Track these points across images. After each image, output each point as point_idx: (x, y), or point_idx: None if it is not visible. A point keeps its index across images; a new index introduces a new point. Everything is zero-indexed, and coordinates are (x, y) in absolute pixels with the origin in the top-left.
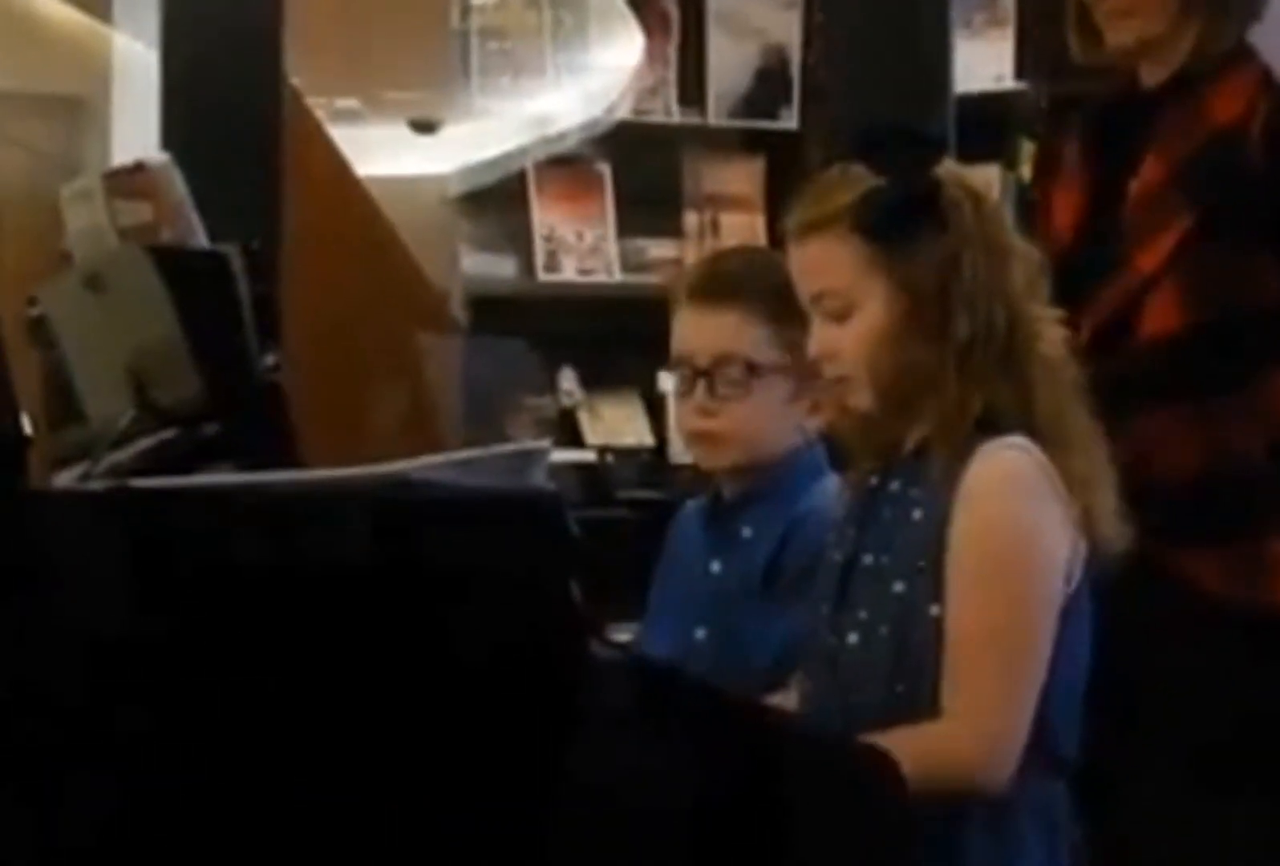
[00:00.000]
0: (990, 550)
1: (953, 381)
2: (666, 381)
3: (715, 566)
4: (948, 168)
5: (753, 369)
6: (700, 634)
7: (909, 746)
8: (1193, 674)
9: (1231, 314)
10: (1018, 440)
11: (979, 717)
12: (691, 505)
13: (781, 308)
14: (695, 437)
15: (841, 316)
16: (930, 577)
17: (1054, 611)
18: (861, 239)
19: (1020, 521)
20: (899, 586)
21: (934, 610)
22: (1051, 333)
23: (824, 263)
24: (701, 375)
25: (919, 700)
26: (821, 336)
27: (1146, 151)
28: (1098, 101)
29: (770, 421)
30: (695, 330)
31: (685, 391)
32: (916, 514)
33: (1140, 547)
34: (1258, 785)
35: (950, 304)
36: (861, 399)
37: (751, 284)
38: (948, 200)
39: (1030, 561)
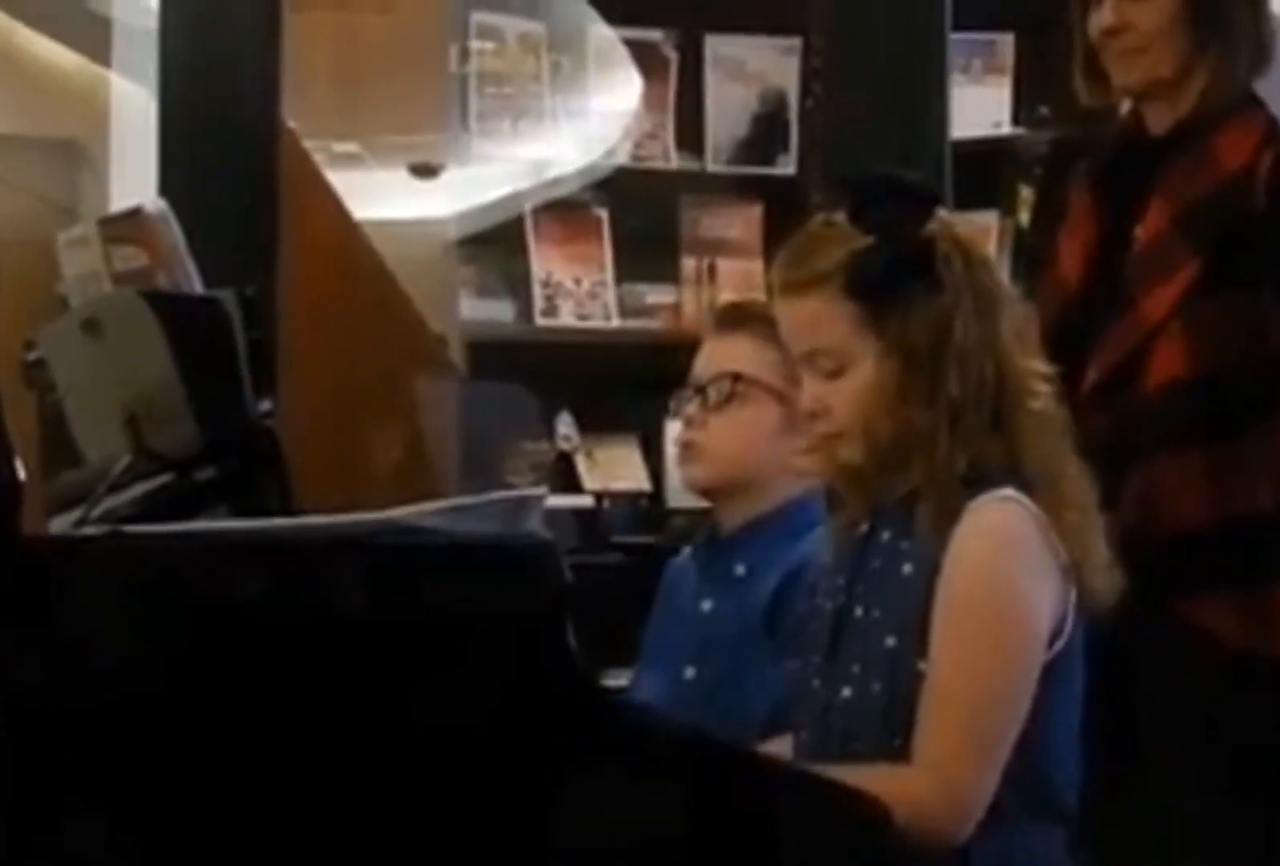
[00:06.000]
0: (973, 604)
1: (945, 440)
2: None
3: (706, 605)
4: (940, 220)
5: (739, 378)
6: (690, 673)
7: (872, 785)
8: (1207, 723)
9: (1238, 361)
10: (1010, 492)
11: (944, 767)
12: (686, 552)
13: None
14: (681, 452)
15: (834, 374)
16: (920, 633)
17: (1033, 668)
18: (853, 301)
19: (1006, 577)
20: (891, 641)
21: (922, 666)
22: (1040, 385)
23: (815, 323)
24: (699, 392)
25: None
26: (814, 392)
27: (1153, 198)
28: (1104, 148)
29: (753, 441)
30: (707, 355)
31: (678, 410)
32: (907, 568)
33: (1152, 596)
34: (1276, 830)
35: (943, 363)
36: (853, 454)
37: (766, 310)
38: (940, 258)
39: (1012, 617)
